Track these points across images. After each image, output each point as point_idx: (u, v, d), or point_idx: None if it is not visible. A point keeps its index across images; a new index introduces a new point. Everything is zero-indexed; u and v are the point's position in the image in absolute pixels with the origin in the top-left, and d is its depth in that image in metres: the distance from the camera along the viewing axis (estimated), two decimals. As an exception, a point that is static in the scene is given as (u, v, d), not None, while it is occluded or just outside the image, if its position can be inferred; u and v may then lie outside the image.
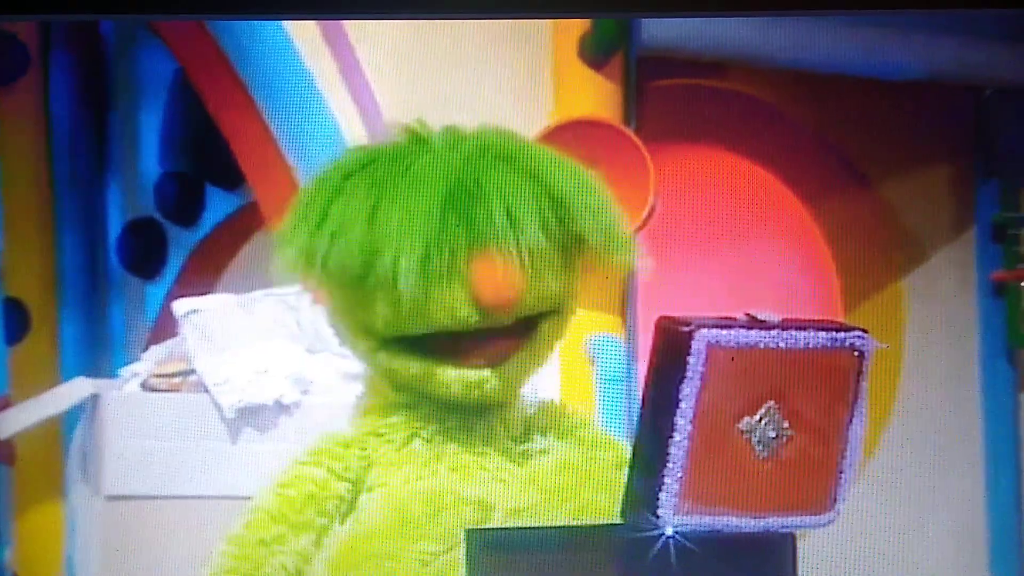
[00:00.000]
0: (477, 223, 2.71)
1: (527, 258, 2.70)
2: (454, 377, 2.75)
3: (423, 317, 2.72)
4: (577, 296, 2.86)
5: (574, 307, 2.87)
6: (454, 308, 2.71)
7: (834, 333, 2.36)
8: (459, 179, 2.73)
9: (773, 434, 2.32)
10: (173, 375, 4.09)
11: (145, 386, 4.11)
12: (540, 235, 2.72)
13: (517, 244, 2.69)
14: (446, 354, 2.77)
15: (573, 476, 2.79)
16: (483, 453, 2.80)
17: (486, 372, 2.77)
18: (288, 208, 2.83)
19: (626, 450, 2.82)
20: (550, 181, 2.78)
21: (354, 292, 2.75)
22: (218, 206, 4.79)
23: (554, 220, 2.76)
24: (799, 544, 2.35)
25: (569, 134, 4.12)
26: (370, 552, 2.70)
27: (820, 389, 2.35)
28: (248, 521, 2.78)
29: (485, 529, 2.67)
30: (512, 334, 2.80)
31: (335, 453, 2.81)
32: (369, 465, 2.80)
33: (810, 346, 2.33)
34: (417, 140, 2.84)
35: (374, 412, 2.85)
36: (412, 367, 2.78)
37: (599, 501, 2.75)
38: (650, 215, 4.21)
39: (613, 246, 2.83)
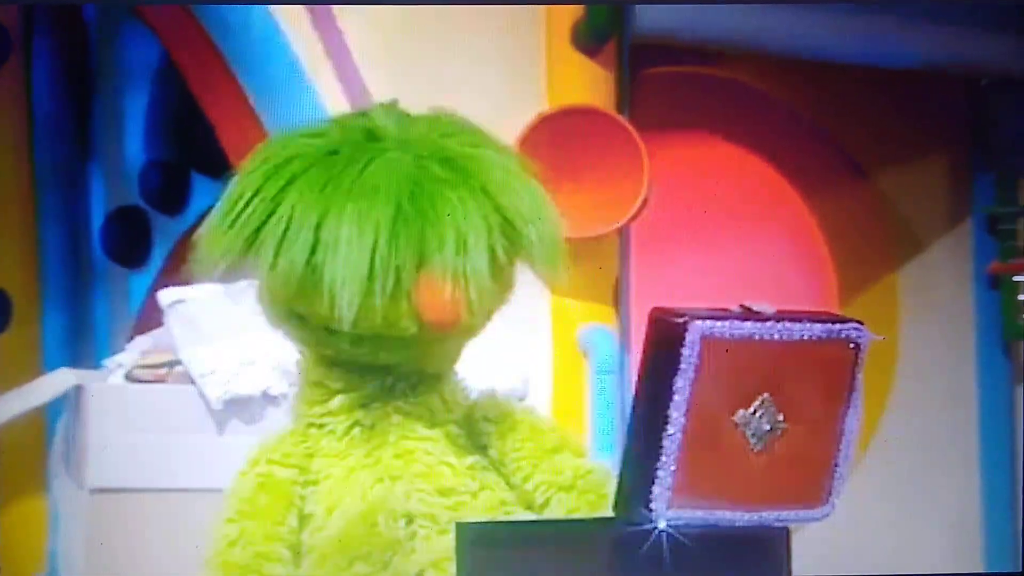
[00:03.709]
0: (428, 245, 2.71)
1: (473, 282, 2.71)
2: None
3: (362, 323, 2.73)
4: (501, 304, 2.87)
5: (497, 309, 2.88)
6: (395, 320, 2.73)
7: (829, 325, 2.30)
8: (412, 192, 2.73)
9: (767, 427, 2.27)
10: (158, 366, 4.06)
11: (130, 377, 4.08)
12: (487, 263, 2.73)
13: (466, 270, 2.71)
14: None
15: (515, 462, 2.80)
16: (427, 438, 2.80)
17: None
18: (244, 169, 2.78)
19: (565, 436, 2.87)
20: (501, 200, 2.78)
21: (292, 287, 2.75)
22: (204, 194, 4.76)
23: (502, 242, 2.77)
24: (793, 537, 2.31)
25: (562, 122, 4.09)
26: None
27: (815, 381, 2.30)
28: (215, 536, 2.77)
29: (475, 523, 2.65)
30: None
31: (270, 447, 2.82)
32: (311, 454, 2.80)
33: (805, 338, 2.28)
34: (371, 136, 2.82)
35: (311, 400, 2.85)
36: (342, 347, 2.78)
37: (541, 484, 2.78)
38: (643, 205, 4.17)
39: (551, 265, 2.82)
